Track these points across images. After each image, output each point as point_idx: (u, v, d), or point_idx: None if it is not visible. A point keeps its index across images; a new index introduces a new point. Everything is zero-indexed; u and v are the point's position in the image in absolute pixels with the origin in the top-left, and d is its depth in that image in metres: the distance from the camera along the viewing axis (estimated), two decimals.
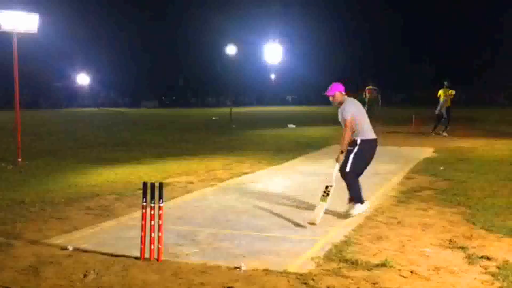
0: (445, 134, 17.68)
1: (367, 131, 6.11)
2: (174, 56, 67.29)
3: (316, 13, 63.88)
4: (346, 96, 6.20)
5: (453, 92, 17.98)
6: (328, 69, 64.43)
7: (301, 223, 5.64)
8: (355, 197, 6.03)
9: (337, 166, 5.99)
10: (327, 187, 5.90)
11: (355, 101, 6.27)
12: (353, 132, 6.04)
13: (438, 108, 18.05)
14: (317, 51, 64.11)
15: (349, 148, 6.04)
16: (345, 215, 5.99)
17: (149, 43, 66.08)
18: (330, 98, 6.25)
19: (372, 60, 64.01)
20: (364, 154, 6.07)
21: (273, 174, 9.63)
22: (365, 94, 20.38)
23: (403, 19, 63.74)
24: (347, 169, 5.99)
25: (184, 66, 69.63)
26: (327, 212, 6.25)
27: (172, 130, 21.85)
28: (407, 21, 63.71)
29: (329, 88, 6.23)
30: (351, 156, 6.00)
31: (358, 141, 6.03)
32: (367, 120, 6.21)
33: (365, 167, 6.25)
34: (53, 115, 37.58)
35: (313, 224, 5.40)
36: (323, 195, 5.85)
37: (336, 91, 6.18)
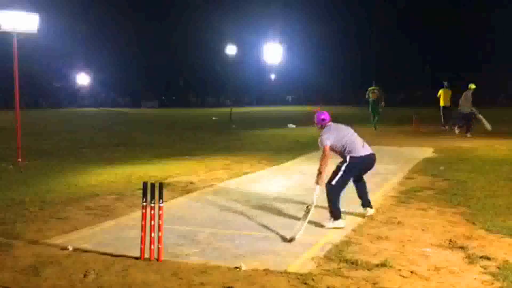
0: (456, 131, 17.08)
1: (358, 149, 6.07)
2: (174, 56, 67.31)
3: (316, 13, 63.90)
4: (328, 123, 6.19)
5: (473, 86, 17.01)
6: (328, 69, 64.50)
7: (287, 237, 5.37)
8: (334, 212, 5.88)
9: (318, 189, 5.86)
10: (308, 206, 5.81)
11: (338, 127, 6.21)
12: (341, 153, 6.06)
13: (461, 108, 17.06)
14: (317, 51, 64.12)
15: (339, 164, 6.03)
16: (320, 225, 5.84)
17: (149, 43, 66.07)
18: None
19: (371, 60, 64.04)
20: (354, 170, 6.07)
21: (273, 174, 9.63)
22: (369, 95, 20.53)
23: (403, 18, 63.77)
24: (333, 182, 5.91)
25: (184, 66, 69.60)
26: (326, 212, 6.29)
27: (172, 130, 21.85)
28: (407, 20, 63.74)
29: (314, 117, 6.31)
30: (340, 172, 5.96)
31: (347, 158, 5.99)
32: (358, 139, 6.15)
33: (347, 182, 6.11)
34: (53, 115, 37.57)
35: (292, 240, 5.27)
36: (304, 214, 5.75)
37: (317, 120, 6.23)
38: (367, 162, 6.17)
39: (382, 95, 20.49)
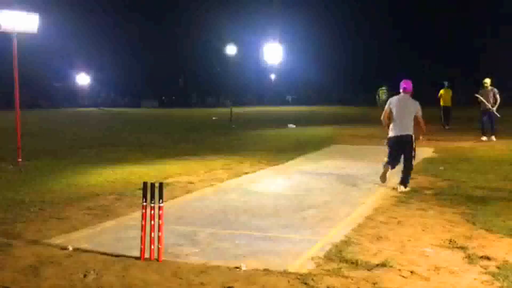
0: (493, 138, 15.05)
1: (392, 130, 7.82)
2: (174, 56, 67.31)
3: (316, 13, 63.91)
4: (404, 93, 7.87)
5: (488, 81, 15.02)
6: (328, 69, 64.49)
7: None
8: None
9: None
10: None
11: (401, 101, 7.82)
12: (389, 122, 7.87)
13: (485, 107, 14.99)
14: (317, 51, 64.13)
15: None
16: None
17: (149, 43, 66.10)
18: None
19: (371, 59, 64.06)
20: (391, 145, 7.92)
21: (273, 174, 9.63)
22: (379, 95, 20.75)
23: (403, 18, 63.81)
24: None
25: (184, 66, 69.63)
26: (326, 212, 6.29)
27: (172, 130, 21.86)
28: (407, 20, 63.76)
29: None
30: None
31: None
32: (400, 118, 7.72)
33: (395, 157, 7.94)
34: (53, 115, 37.58)
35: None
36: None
37: (400, 86, 7.95)
38: (396, 141, 7.83)
39: (390, 94, 20.60)
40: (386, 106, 7.96)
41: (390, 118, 7.90)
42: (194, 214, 6.45)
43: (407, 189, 7.68)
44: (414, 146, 7.82)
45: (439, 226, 5.72)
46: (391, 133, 7.85)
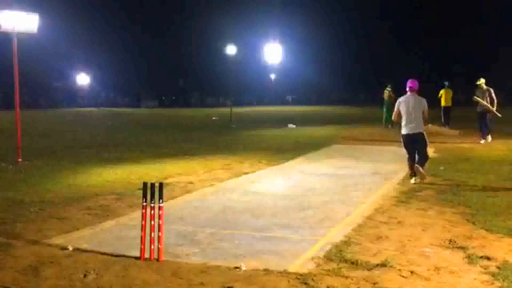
0: (489, 138, 14.73)
1: (403, 128, 8.28)
2: (174, 56, 67.32)
3: (316, 13, 63.92)
4: (410, 92, 8.29)
5: (483, 81, 14.62)
6: (328, 69, 64.48)
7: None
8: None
9: None
10: None
11: (407, 101, 8.24)
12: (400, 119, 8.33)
13: (483, 108, 14.63)
14: (317, 51, 64.15)
15: None
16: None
17: (149, 43, 66.12)
18: None
19: (371, 59, 64.06)
20: (404, 142, 8.42)
21: (273, 174, 9.63)
22: (384, 95, 21.02)
23: (402, 17, 63.81)
24: None
25: (184, 66, 69.65)
26: (326, 212, 6.30)
27: (172, 130, 21.86)
28: (406, 19, 63.75)
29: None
30: None
31: None
32: (409, 117, 8.17)
33: (408, 150, 8.38)
34: (53, 115, 37.58)
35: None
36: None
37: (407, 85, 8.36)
38: (408, 139, 8.31)
39: (394, 95, 20.71)
40: (396, 107, 8.43)
41: (400, 116, 8.37)
42: (194, 214, 6.45)
43: (424, 171, 8.13)
44: (426, 139, 8.31)
45: (439, 226, 5.72)
46: (403, 131, 8.36)
